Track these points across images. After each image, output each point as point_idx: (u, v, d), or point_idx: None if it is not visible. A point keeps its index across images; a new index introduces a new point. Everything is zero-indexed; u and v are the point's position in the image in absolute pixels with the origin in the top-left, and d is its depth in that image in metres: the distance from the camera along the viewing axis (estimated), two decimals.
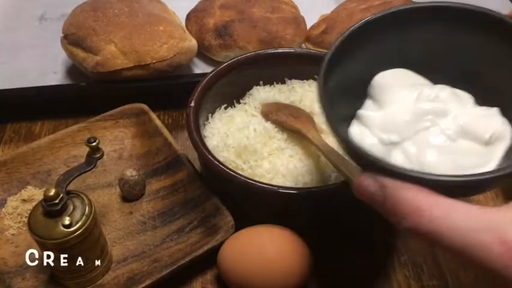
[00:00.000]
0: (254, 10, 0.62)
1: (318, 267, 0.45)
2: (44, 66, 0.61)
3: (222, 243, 0.42)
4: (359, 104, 0.35)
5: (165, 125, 0.52)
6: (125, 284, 0.41)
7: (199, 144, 0.44)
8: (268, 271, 0.39)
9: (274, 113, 0.49)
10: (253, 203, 0.45)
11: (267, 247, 0.40)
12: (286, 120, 0.48)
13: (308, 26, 0.63)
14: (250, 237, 0.41)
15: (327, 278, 0.44)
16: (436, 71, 0.35)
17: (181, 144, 0.54)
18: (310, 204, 0.44)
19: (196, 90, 0.48)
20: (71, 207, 0.38)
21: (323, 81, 0.32)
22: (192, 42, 0.58)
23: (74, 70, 0.60)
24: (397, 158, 0.32)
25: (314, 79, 0.53)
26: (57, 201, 0.36)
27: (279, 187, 0.41)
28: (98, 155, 0.42)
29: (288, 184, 0.44)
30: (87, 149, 0.42)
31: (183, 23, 0.63)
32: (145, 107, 0.53)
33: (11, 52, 0.63)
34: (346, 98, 0.34)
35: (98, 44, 0.55)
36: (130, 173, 0.47)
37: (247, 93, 0.53)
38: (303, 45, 0.63)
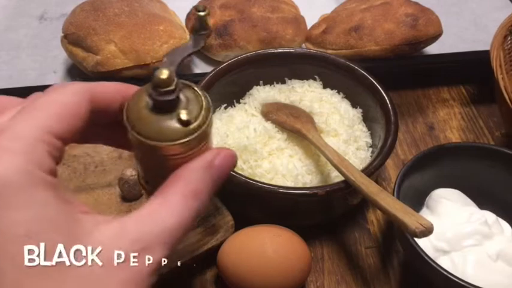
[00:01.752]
0: (254, 10, 0.62)
1: (317, 266, 0.45)
2: (44, 66, 0.61)
3: (221, 243, 0.42)
4: (415, 210, 0.38)
5: None
6: None
7: None
8: (268, 271, 0.39)
9: (274, 113, 0.49)
10: (253, 203, 0.45)
11: (267, 247, 0.40)
12: (286, 120, 0.48)
13: (308, 26, 0.63)
14: (250, 237, 0.41)
15: (325, 277, 0.44)
16: (482, 197, 0.44)
17: None
18: (310, 204, 0.44)
19: None
20: (184, 100, 0.27)
21: (399, 184, 0.41)
22: None
23: (74, 70, 0.60)
24: (444, 263, 0.38)
25: (314, 79, 0.53)
26: (172, 87, 0.25)
27: (279, 187, 0.41)
28: (206, 32, 0.30)
29: (288, 184, 0.44)
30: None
31: (183, 23, 0.63)
32: None
33: (11, 52, 0.63)
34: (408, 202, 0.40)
35: (98, 44, 0.55)
36: (130, 172, 0.47)
37: (247, 93, 0.53)
38: (303, 45, 0.63)
